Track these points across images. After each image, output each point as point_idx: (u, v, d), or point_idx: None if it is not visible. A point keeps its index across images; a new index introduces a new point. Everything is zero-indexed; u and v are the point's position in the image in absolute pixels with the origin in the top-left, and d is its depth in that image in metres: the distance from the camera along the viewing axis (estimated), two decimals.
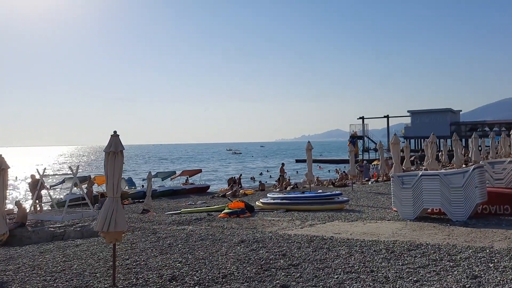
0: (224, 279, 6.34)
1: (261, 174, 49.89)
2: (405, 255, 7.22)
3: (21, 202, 16.13)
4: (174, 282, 6.34)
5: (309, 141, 18.98)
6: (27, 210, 15.73)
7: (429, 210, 11.11)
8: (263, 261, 7.19)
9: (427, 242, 8.06)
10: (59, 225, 13.80)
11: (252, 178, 35.13)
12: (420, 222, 10.40)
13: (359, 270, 6.50)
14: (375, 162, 38.30)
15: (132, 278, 6.67)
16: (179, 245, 8.92)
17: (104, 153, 6.34)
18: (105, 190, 26.30)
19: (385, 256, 7.23)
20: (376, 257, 7.15)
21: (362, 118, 69.88)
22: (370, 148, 68.01)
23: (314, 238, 8.89)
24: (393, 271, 6.37)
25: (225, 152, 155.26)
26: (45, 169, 18.50)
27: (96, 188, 28.76)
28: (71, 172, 17.02)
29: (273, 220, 11.96)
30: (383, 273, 6.28)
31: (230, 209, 13.24)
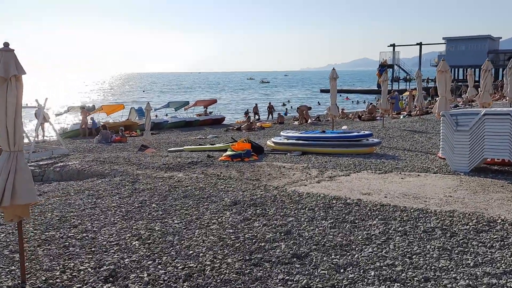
0: (185, 283, 4.01)
1: (283, 104, 47.10)
2: (473, 243, 4.71)
3: None
4: (109, 284, 4.07)
5: (333, 69, 16.00)
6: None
7: (488, 160, 8.44)
8: (255, 245, 4.82)
9: (503, 217, 5.48)
10: (40, 163, 11.85)
11: (270, 108, 32.37)
12: (479, 178, 7.77)
13: (405, 274, 4.04)
14: (406, 93, 34.89)
15: (56, 267, 4.44)
16: (153, 205, 6.64)
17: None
18: (111, 121, 24.22)
19: (443, 243, 4.73)
20: (429, 246, 4.66)
21: (393, 45, 64.84)
22: (400, 78, 63.72)
23: (334, 201, 6.42)
24: (462, 281, 3.89)
25: (246, 81, 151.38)
26: (46, 99, 16.32)
27: (106, 119, 26.85)
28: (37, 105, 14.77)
29: (284, 167, 9.51)
30: (445, 284, 3.82)
31: (233, 150, 10.83)
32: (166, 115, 31.91)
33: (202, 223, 5.69)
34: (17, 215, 4.05)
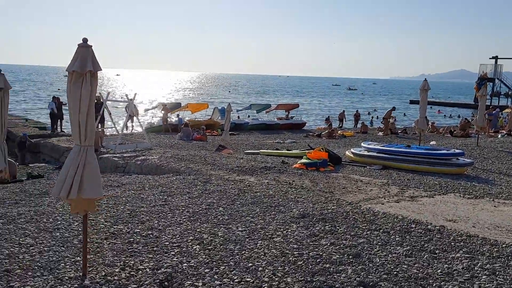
0: None
1: (369, 113, 45.48)
2: None
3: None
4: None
5: (425, 79, 14.94)
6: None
7: None
8: (319, 266, 4.46)
9: None
10: (124, 155, 12.46)
11: (356, 116, 31.28)
12: None
13: None
14: (507, 110, 31.83)
15: (117, 263, 4.45)
16: (220, 209, 6.53)
17: (68, 73, 3.89)
18: (196, 118, 25.04)
19: None
20: None
21: (496, 57, 59.70)
22: (501, 93, 58.54)
23: (413, 225, 5.83)
24: None
25: (331, 87, 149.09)
26: (135, 94, 17.24)
27: (190, 116, 27.80)
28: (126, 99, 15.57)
29: (361, 181, 8.96)
30: None
31: (308, 159, 10.47)
32: (248, 116, 32.27)
33: (266, 234, 5.44)
34: (83, 208, 4.10)
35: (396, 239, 5.30)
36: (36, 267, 4.37)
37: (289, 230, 5.56)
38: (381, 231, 5.58)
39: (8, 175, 9.96)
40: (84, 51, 3.84)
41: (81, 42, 3.87)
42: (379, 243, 5.13)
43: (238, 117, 30.60)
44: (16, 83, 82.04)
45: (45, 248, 4.86)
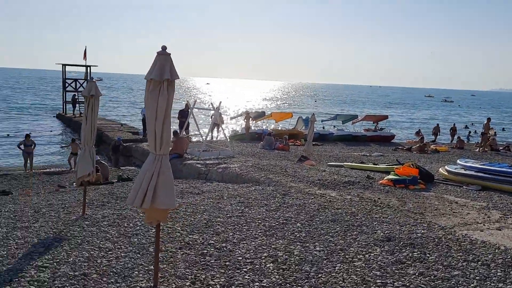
0: None
1: (466, 127, 42.23)
2: None
3: (178, 132, 15.66)
4: None
5: None
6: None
7: None
8: None
9: None
10: (207, 162, 12.67)
11: (453, 130, 28.98)
12: None
13: None
14: None
15: (189, 276, 4.33)
16: (298, 224, 6.22)
17: (146, 81, 3.87)
18: (279, 127, 25.06)
19: None
20: None
21: None
22: None
23: None
24: None
25: (423, 98, 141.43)
26: (220, 102, 17.66)
27: (273, 125, 27.86)
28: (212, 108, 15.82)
29: (456, 203, 8.10)
30: None
31: (397, 175, 9.75)
32: (334, 127, 31.54)
33: (346, 256, 5.02)
34: (156, 218, 4.04)
35: (498, 274, 4.59)
36: (111, 273, 4.41)
37: (372, 254, 5.09)
38: (479, 263, 4.88)
39: (99, 177, 10.56)
40: (163, 58, 3.79)
41: (160, 50, 3.83)
42: (476, 278, 4.48)
43: (323, 127, 30.00)
44: (113, 90, 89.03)
45: (122, 254, 4.92)
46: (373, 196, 8.29)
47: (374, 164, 13.97)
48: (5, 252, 4.91)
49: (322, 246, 5.34)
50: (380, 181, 9.77)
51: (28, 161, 15.93)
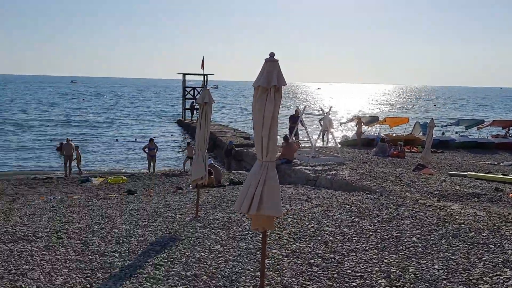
0: None
1: None
2: None
3: (288, 137, 15.73)
4: None
5: None
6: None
7: None
8: None
9: None
10: (316, 168, 12.53)
11: None
12: None
13: None
14: None
15: (295, 286, 4.24)
16: (413, 238, 5.76)
17: (254, 88, 3.88)
18: (394, 133, 23.91)
19: None
20: None
21: None
22: None
23: None
24: None
25: None
26: (331, 107, 17.45)
27: (387, 131, 26.66)
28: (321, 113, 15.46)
29: None
30: None
31: None
32: (456, 133, 29.08)
33: (470, 277, 4.49)
34: (262, 225, 4.02)
35: None
36: (220, 276, 4.50)
37: (500, 277, 4.48)
38: None
39: (212, 180, 11.03)
40: (271, 65, 3.77)
41: (269, 56, 3.81)
42: None
43: (443, 133, 27.86)
44: (225, 96, 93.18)
45: (231, 258, 5.01)
46: (503, 211, 7.36)
47: (503, 174, 12.50)
48: (127, 249, 5.33)
49: (441, 264, 4.86)
50: (511, 194, 8.67)
51: (152, 163, 17.35)
